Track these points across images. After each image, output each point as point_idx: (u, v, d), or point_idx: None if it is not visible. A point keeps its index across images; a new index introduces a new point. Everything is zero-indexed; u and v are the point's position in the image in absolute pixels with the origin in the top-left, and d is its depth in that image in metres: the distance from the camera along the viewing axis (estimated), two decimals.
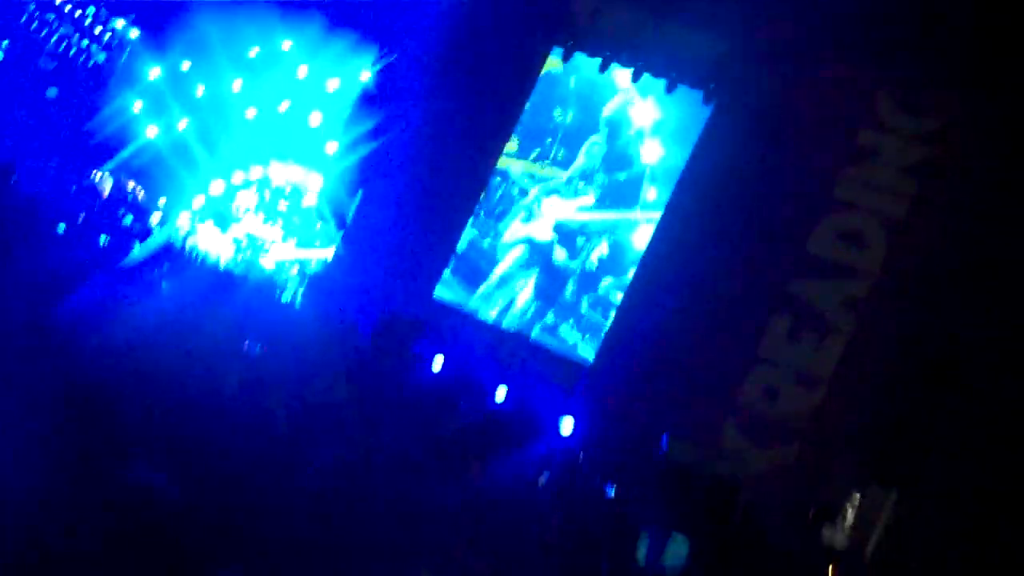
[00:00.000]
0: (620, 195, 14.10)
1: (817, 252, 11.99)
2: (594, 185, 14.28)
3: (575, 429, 12.05)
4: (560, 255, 14.18)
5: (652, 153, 13.95)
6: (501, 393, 12.52)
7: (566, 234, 14.25)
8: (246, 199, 17.20)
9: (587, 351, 13.44)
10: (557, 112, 14.74)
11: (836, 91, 12.30)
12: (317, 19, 17.24)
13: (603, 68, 14.26)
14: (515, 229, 14.54)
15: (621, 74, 14.27)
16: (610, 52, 14.26)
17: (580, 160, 14.47)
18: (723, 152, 12.89)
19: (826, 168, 12.15)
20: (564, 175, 14.51)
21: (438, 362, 12.89)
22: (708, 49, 13.32)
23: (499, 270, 14.39)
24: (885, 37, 11.89)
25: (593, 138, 14.45)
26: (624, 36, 14.00)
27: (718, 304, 12.10)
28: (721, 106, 13.29)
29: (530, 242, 14.43)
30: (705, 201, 12.68)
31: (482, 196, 14.61)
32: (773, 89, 12.54)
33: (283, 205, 17.06)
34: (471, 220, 14.58)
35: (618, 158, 14.24)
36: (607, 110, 14.45)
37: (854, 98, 12.23)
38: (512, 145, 14.75)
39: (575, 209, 14.38)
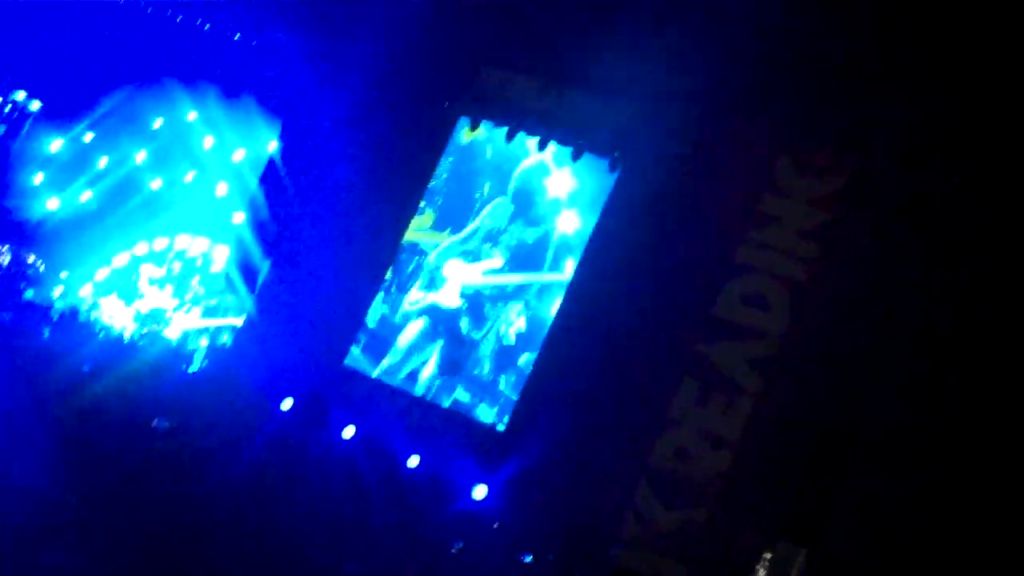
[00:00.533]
0: (530, 258, 14.18)
1: (723, 315, 12.18)
2: (501, 247, 14.36)
3: (489, 496, 12.02)
4: (466, 324, 14.17)
5: (568, 223, 14.09)
6: (414, 461, 12.47)
7: (474, 302, 14.26)
8: (151, 271, 16.96)
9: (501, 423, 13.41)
10: (479, 187, 14.82)
11: (736, 156, 12.64)
12: (218, 91, 17.25)
13: (509, 137, 14.40)
14: (416, 296, 14.51)
15: (532, 143, 14.43)
16: (516, 121, 14.40)
17: (484, 220, 14.56)
18: (629, 219, 13.10)
19: (729, 232, 12.41)
20: (462, 233, 14.59)
21: (349, 431, 12.81)
22: (611, 117, 13.60)
23: (402, 340, 14.31)
24: (782, 103, 12.29)
25: (499, 199, 14.58)
26: (530, 105, 14.20)
27: (629, 367, 12.21)
28: (625, 173, 13.50)
29: (434, 310, 14.39)
30: (613, 267, 12.85)
31: (389, 270, 14.56)
32: (676, 155, 12.81)
33: (189, 277, 16.86)
34: (381, 295, 14.51)
35: (528, 220, 14.36)
36: (517, 172, 14.59)
37: (754, 163, 12.55)
38: (427, 219, 14.77)
39: (481, 272, 14.44)
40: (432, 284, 14.51)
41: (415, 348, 14.20)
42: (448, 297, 14.39)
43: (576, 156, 14.03)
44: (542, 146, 14.26)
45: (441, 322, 14.27)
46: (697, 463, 11.73)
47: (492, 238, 14.47)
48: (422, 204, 14.79)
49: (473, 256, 14.45)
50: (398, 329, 14.37)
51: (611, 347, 12.36)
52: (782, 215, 12.32)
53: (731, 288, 12.23)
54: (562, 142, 14.18)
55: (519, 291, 14.08)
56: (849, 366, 11.40)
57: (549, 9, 13.92)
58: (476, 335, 14.01)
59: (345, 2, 15.95)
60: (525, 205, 14.44)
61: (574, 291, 13.36)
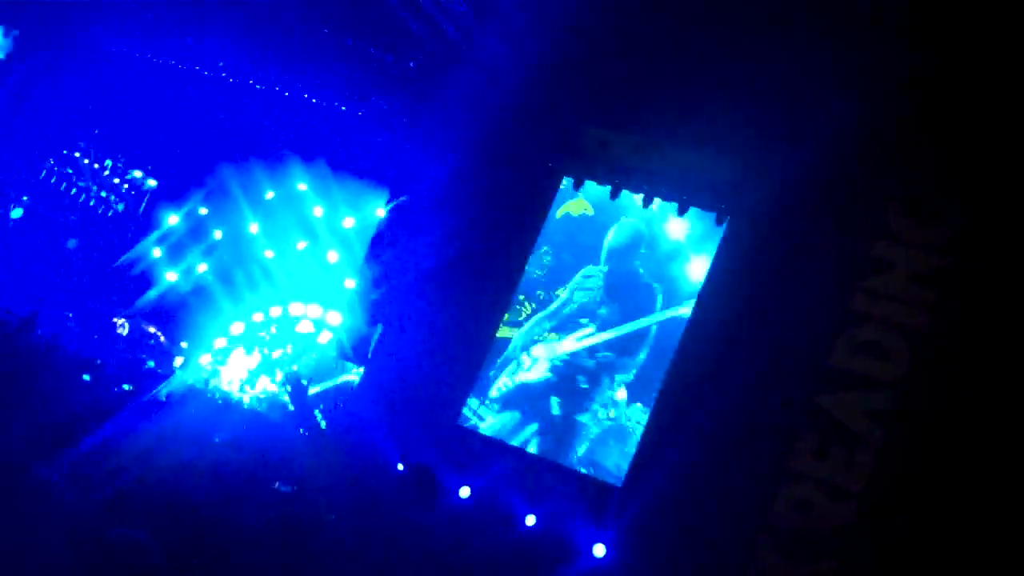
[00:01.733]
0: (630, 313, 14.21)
1: (841, 365, 11.99)
2: (596, 318, 14.39)
3: (608, 554, 11.94)
4: (560, 404, 14.19)
5: (674, 277, 14.10)
6: (531, 520, 12.45)
7: (566, 374, 14.32)
8: (267, 338, 17.36)
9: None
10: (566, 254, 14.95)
11: (848, 205, 12.49)
12: (326, 161, 17.73)
13: (614, 195, 14.47)
14: (504, 381, 14.59)
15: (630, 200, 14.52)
16: (620, 179, 14.48)
17: (576, 293, 14.63)
18: (739, 271, 13.03)
19: (843, 281, 12.25)
20: (552, 307, 14.66)
21: (465, 491, 12.85)
22: (718, 171, 13.58)
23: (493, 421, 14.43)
24: (894, 150, 12.15)
25: (587, 270, 14.66)
26: (633, 162, 14.26)
27: (745, 421, 12.06)
28: (733, 225, 13.47)
29: (524, 388, 14.44)
30: (726, 320, 12.76)
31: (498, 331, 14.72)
32: (785, 206, 12.73)
33: (304, 343, 17.22)
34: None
35: (626, 278, 14.36)
36: (611, 235, 14.67)
37: (866, 211, 12.39)
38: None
39: (575, 340, 14.48)
40: (520, 366, 14.56)
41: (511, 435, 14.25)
42: (538, 373, 14.43)
43: (682, 211, 14.03)
44: (647, 202, 14.26)
45: (532, 401, 14.32)
46: (820, 516, 11.50)
47: (586, 311, 14.51)
48: (521, 297, 14.85)
49: (564, 329, 14.50)
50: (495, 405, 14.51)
51: (727, 400, 12.22)
52: (897, 261, 12.12)
53: (848, 337, 12.03)
54: (667, 198, 14.18)
55: (616, 362, 14.01)
56: (971, 414, 11.10)
57: (646, 65, 13.99)
58: (578, 414, 14.01)
59: (442, 69, 16.28)
60: (624, 265, 14.41)
61: (686, 345, 13.28)
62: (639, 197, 14.34)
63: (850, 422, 11.80)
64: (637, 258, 14.51)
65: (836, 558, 11.28)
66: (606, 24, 14.13)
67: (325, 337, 17.16)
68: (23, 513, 7.80)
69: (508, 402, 14.38)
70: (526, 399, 14.33)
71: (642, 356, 13.94)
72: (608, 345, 14.20)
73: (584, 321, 14.45)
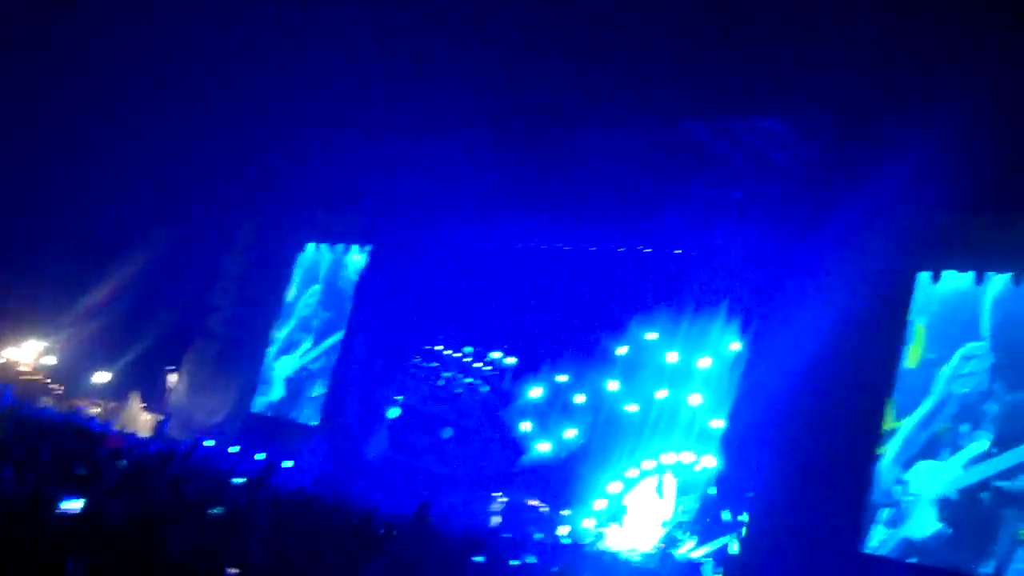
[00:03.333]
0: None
1: None
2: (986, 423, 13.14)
3: None
4: None
5: None
6: None
7: None
8: (645, 492, 17.20)
9: None
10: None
11: None
12: (671, 309, 17.71)
13: (979, 280, 13.49)
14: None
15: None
16: (982, 263, 13.50)
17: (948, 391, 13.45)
18: None
19: None
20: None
21: None
22: None
23: None
24: None
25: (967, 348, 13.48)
26: (998, 241, 13.29)
27: None
28: None
29: None
30: None
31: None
32: None
33: (685, 494, 16.90)
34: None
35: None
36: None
37: None
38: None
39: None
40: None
41: None
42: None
43: None
44: (1017, 281, 13.17)
45: None
46: None
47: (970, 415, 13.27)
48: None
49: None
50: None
51: None
52: None
53: None
54: None
55: None
56: None
57: (992, 142, 13.04)
58: None
59: (767, 191, 16.06)
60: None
61: None
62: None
63: None
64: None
65: None
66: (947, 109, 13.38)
67: (706, 487, 16.71)
68: None
69: None
70: None
71: None
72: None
73: (964, 429, 13.18)
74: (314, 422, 21.08)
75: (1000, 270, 13.45)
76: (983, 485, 12.74)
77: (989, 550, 12.36)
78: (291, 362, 22.37)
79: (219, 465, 15.77)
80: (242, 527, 9.54)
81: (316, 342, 22.11)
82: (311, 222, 22.58)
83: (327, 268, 22.46)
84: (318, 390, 21.50)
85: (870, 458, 13.59)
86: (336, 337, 21.65)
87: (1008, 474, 12.62)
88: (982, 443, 12.95)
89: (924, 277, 14.12)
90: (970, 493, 12.77)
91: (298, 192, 22.12)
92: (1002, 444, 12.80)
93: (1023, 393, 12.95)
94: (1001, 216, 13.41)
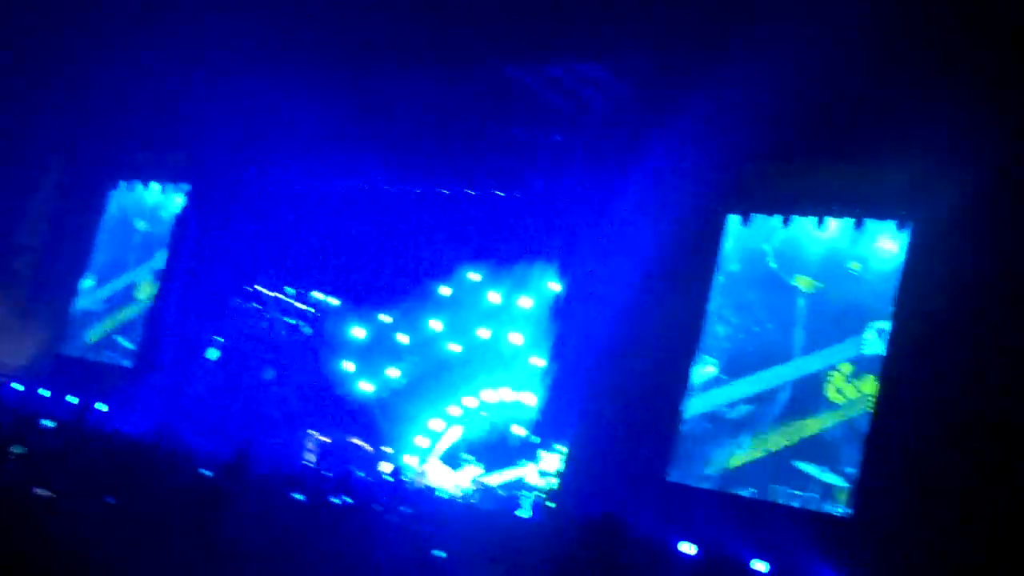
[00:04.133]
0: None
1: None
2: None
3: None
4: None
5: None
6: (761, 567, 11.99)
7: None
8: (464, 429, 17.52)
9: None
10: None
11: None
12: (494, 251, 17.96)
13: (786, 223, 14.15)
14: None
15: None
16: (789, 208, 14.16)
17: None
18: (931, 272, 12.47)
19: None
20: None
21: (688, 548, 12.50)
22: (896, 180, 13.11)
23: None
24: None
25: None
26: (803, 188, 13.95)
27: (971, 427, 11.38)
28: (918, 229, 12.95)
29: None
30: (928, 324, 12.17)
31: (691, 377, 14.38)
32: (971, 199, 12.14)
33: (504, 429, 17.28)
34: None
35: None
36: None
37: None
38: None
39: None
40: None
41: None
42: None
43: (859, 224, 13.57)
44: (820, 224, 13.88)
45: None
46: None
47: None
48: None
49: None
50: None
51: (946, 403, 11.61)
52: None
53: None
54: (840, 215, 13.76)
55: None
56: None
57: (805, 89, 13.64)
58: None
59: (591, 137, 16.38)
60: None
61: (892, 355, 12.68)
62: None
63: None
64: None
65: None
66: (760, 57, 13.89)
67: (521, 423, 17.16)
68: None
69: None
70: None
71: None
72: None
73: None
74: (127, 363, 20.50)
75: (804, 214, 14.07)
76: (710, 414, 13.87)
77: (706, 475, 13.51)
78: (104, 303, 21.64)
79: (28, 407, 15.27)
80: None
81: (131, 283, 21.43)
82: (126, 160, 21.77)
83: (144, 207, 21.72)
84: (134, 332, 20.89)
85: (680, 393, 14.15)
86: (152, 279, 21.04)
87: (732, 404, 13.78)
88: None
89: (734, 220, 14.67)
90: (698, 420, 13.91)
91: (113, 128, 21.24)
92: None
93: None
94: (805, 163, 14.01)
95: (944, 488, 11.37)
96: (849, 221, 13.67)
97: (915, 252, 12.96)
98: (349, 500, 13.82)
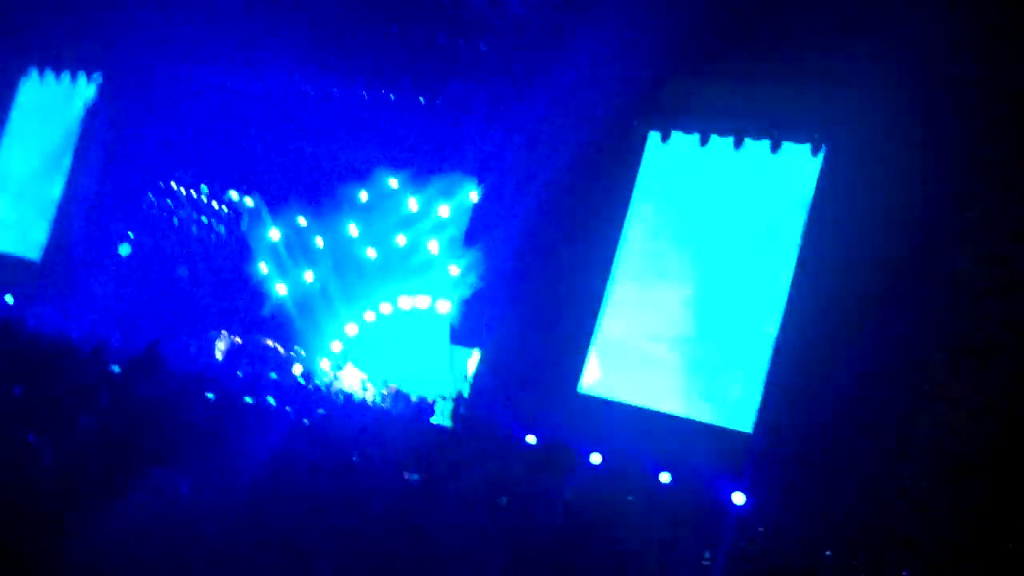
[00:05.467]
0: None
1: (963, 278, 11.64)
2: None
3: (748, 501, 11.76)
4: None
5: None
6: (665, 477, 12.33)
7: None
8: (381, 334, 17.56)
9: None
10: None
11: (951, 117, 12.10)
12: (413, 157, 17.84)
13: (703, 142, 14.29)
14: None
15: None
16: (707, 126, 14.29)
17: None
18: (843, 196, 12.74)
19: (957, 193, 11.89)
20: None
21: (596, 457, 12.78)
22: (811, 102, 13.27)
23: None
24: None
25: None
26: (721, 107, 14.05)
27: (872, 347, 11.78)
28: (832, 153, 13.18)
29: None
30: (837, 248, 12.49)
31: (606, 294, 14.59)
32: (886, 125, 12.38)
33: (418, 335, 17.37)
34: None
35: None
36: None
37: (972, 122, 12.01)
38: None
39: None
40: None
41: None
42: None
43: (776, 148, 13.77)
44: (738, 145, 14.04)
45: None
46: (963, 436, 11.17)
47: None
48: None
49: None
50: None
51: (851, 329, 11.98)
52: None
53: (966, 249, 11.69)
54: (757, 137, 13.94)
55: None
56: None
57: (722, 5, 13.71)
58: None
59: (513, 45, 16.24)
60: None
61: (799, 279, 13.02)
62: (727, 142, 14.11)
63: (978, 335, 11.44)
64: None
65: (983, 476, 10.95)
66: None
67: (439, 327, 17.25)
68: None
69: None
70: None
71: None
72: None
73: None
74: (33, 256, 20.08)
75: (722, 133, 14.22)
76: None
77: None
78: (12, 194, 21.09)
79: None
80: None
81: (40, 175, 20.87)
82: (36, 44, 21.02)
83: (53, 97, 21.05)
84: (42, 225, 20.42)
85: (595, 307, 14.37)
86: (61, 172, 20.50)
87: None
88: None
89: (655, 138, 14.77)
90: None
91: (26, 13, 20.45)
92: None
93: None
94: (723, 79, 14.09)
95: (844, 410, 11.79)
96: (766, 143, 13.88)
97: (827, 177, 13.25)
98: (262, 401, 13.84)
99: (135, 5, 18.57)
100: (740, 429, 12.99)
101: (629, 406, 13.76)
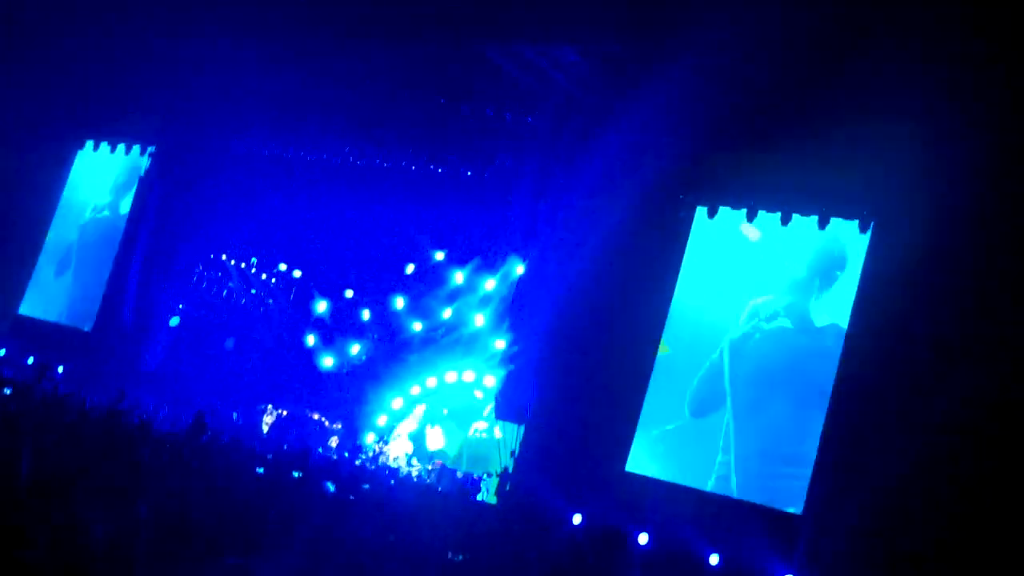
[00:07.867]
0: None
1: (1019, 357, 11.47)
2: None
3: None
4: None
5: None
6: (714, 559, 12.17)
7: None
8: (427, 409, 17.56)
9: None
10: None
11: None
12: (460, 231, 17.95)
13: (750, 217, 14.27)
14: None
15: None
16: (754, 201, 14.27)
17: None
18: (890, 272, 12.65)
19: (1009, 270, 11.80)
20: None
21: (643, 538, 12.64)
22: (860, 178, 13.23)
23: None
24: None
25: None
26: (769, 182, 14.04)
27: (927, 427, 11.59)
28: (879, 231, 13.12)
29: None
30: (887, 326, 12.35)
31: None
32: (936, 201, 12.33)
33: (465, 410, 17.35)
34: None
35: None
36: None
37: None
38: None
39: None
40: None
41: None
42: None
43: (823, 223, 13.73)
44: (785, 220, 14.01)
45: None
46: None
47: None
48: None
49: None
50: None
51: (898, 404, 11.82)
52: None
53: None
54: (806, 212, 13.91)
55: None
56: None
57: (773, 81, 13.73)
58: None
59: (561, 120, 16.37)
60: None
61: (849, 354, 12.88)
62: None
63: None
64: None
65: None
66: (722, 53, 13.92)
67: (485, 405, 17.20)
68: None
69: None
70: None
71: None
72: None
73: None
74: (85, 326, 20.33)
75: (770, 208, 14.19)
76: None
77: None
78: (66, 265, 21.43)
79: None
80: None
81: (94, 246, 21.20)
82: (92, 118, 21.47)
83: (108, 168, 21.45)
84: (94, 295, 20.68)
85: (641, 383, 14.26)
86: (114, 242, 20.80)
87: None
88: None
89: (702, 212, 14.77)
90: None
91: (81, 87, 20.92)
92: None
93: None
94: (771, 154, 14.07)
95: (896, 487, 11.57)
96: (813, 219, 13.84)
97: (875, 252, 13.16)
98: (309, 476, 13.84)
99: (190, 77, 18.96)
100: (790, 510, 12.77)
101: (676, 485, 13.59)
